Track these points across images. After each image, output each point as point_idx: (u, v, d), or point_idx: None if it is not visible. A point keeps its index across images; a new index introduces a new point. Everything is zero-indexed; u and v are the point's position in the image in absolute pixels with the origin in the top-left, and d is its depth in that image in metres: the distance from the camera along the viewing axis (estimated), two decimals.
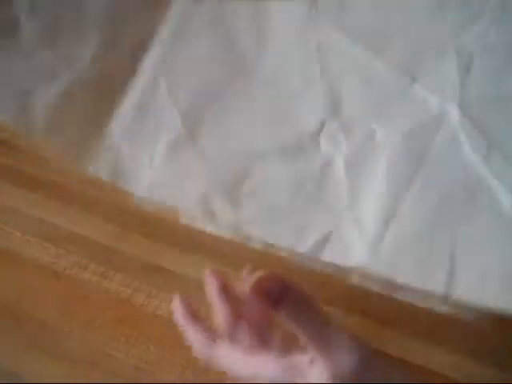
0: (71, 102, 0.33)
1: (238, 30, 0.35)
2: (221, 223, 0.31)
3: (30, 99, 0.32)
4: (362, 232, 0.29)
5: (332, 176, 0.30)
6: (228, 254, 0.39)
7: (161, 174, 0.31)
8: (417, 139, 0.30)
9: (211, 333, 0.32)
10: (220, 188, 0.31)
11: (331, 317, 0.28)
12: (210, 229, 0.31)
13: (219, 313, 0.34)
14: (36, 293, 0.44)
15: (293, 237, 0.29)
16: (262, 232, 0.30)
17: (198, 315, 0.33)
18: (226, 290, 0.35)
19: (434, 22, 0.32)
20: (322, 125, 0.32)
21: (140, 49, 0.34)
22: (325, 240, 0.29)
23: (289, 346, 0.30)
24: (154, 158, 0.32)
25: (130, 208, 0.37)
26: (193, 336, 0.33)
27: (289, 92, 0.33)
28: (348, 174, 0.30)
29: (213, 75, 0.34)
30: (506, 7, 0.31)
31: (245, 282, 0.27)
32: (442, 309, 0.28)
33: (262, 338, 0.32)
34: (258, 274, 0.28)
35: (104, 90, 0.33)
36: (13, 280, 0.45)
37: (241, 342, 0.32)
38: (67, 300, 0.43)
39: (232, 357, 0.31)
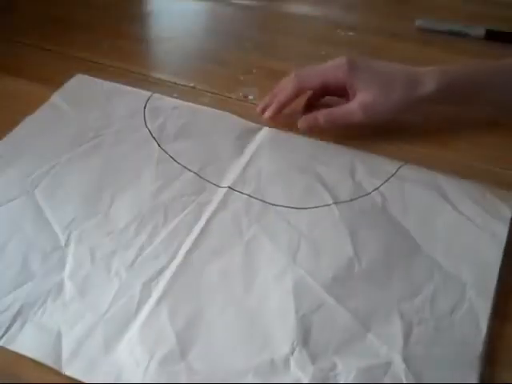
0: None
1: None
2: None
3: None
4: None
5: None
6: None
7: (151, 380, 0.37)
8: (368, 376, 0.37)
9: None
10: None
11: None
12: None
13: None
14: None
15: None
16: None
17: None
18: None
19: (383, 289, 0.42)
20: (293, 350, 0.38)
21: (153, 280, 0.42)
22: None
23: None
24: (147, 368, 0.37)
25: None
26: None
27: (267, 320, 0.40)
28: None
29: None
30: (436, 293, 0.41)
31: None
32: None
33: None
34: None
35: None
36: None
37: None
38: None
39: None
